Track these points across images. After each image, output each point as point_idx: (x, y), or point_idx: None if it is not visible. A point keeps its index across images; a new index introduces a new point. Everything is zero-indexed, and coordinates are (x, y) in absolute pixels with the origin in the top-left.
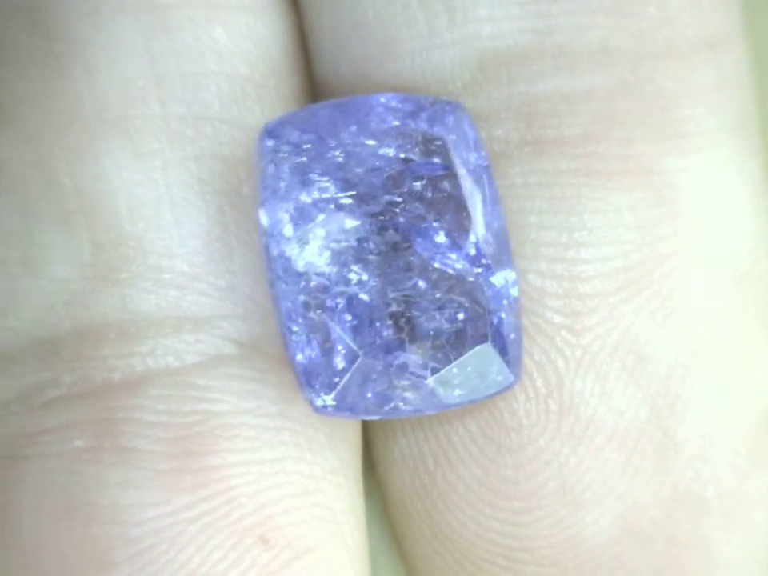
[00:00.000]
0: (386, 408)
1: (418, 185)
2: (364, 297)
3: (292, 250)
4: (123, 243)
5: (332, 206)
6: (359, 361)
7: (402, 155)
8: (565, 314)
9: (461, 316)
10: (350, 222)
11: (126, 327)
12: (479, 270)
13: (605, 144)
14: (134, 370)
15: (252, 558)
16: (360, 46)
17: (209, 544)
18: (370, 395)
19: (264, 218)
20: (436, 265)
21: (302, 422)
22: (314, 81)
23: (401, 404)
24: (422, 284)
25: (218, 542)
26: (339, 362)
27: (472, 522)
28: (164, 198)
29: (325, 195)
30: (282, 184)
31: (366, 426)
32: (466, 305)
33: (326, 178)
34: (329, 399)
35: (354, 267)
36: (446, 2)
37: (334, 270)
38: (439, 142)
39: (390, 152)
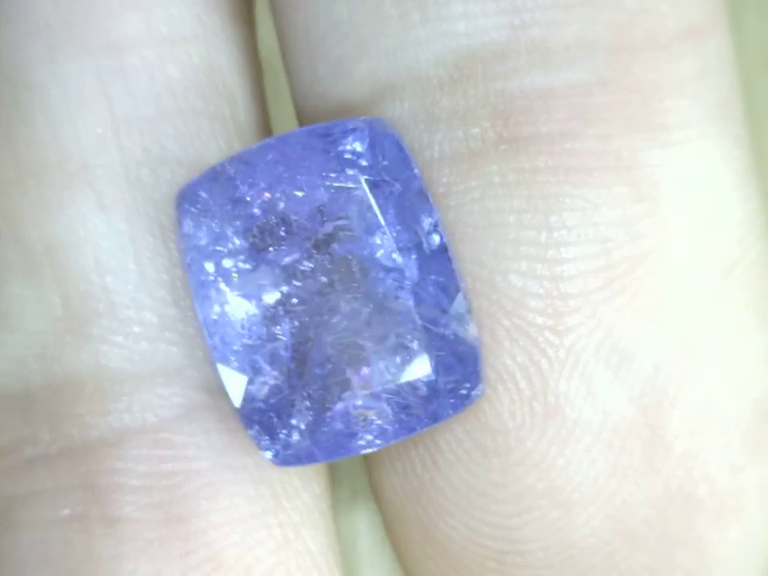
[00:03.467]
0: (352, 446)
1: (332, 225)
2: (298, 349)
3: (218, 311)
4: (92, 296)
5: (251, 264)
6: (307, 411)
7: (318, 197)
8: (547, 314)
9: (404, 343)
10: (271, 276)
11: (100, 383)
12: (408, 285)
13: (583, 140)
14: (112, 428)
15: None
16: (336, 46)
17: None
18: (330, 438)
19: (191, 277)
20: (368, 294)
21: (278, 469)
22: (291, 83)
23: (364, 441)
24: (353, 323)
25: None
26: (287, 417)
27: (462, 526)
28: (128, 249)
29: (240, 257)
30: (203, 244)
31: None
32: (405, 331)
33: (239, 236)
34: (284, 451)
35: (282, 321)
36: None
37: (263, 325)
38: (354, 169)
39: (304, 198)
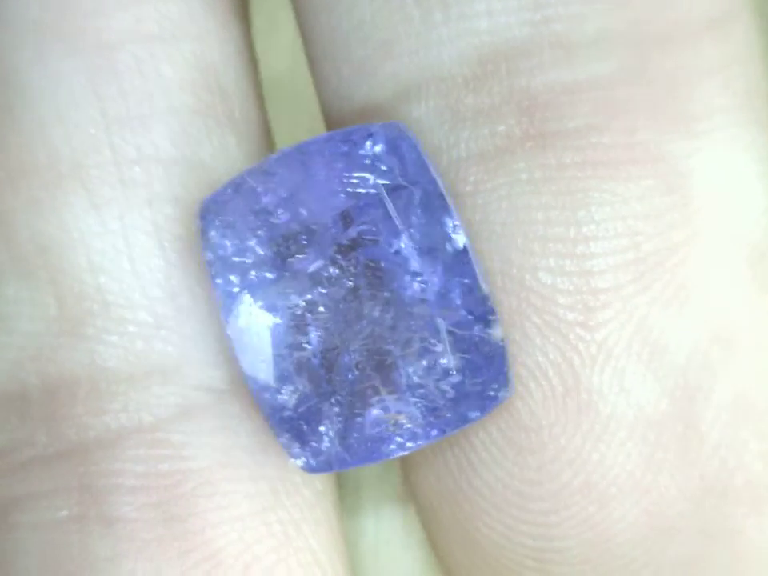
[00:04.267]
0: (382, 451)
1: (354, 231)
2: (326, 356)
3: (246, 323)
4: (86, 297)
5: (276, 274)
6: (336, 417)
7: (339, 204)
8: (578, 310)
9: (428, 348)
10: (296, 285)
11: (96, 383)
12: (434, 290)
13: (609, 134)
14: (108, 428)
15: None
16: (360, 47)
17: None
18: (361, 444)
19: (216, 294)
20: (393, 299)
21: (277, 466)
22: (317, 85)
23: (395, 445)
24: (378, 328)
25: None
26: (317, 425)
27: (500, 525)
28: (122, 249)
29: (264, 267)
30: (227, 255)
31: None
32: (430, 334)
33: (262, 247)
34: (315, 458)
35: (309, 329)
36: None
37: (290, 334)
38: (375, 174)
39: (325, 206)
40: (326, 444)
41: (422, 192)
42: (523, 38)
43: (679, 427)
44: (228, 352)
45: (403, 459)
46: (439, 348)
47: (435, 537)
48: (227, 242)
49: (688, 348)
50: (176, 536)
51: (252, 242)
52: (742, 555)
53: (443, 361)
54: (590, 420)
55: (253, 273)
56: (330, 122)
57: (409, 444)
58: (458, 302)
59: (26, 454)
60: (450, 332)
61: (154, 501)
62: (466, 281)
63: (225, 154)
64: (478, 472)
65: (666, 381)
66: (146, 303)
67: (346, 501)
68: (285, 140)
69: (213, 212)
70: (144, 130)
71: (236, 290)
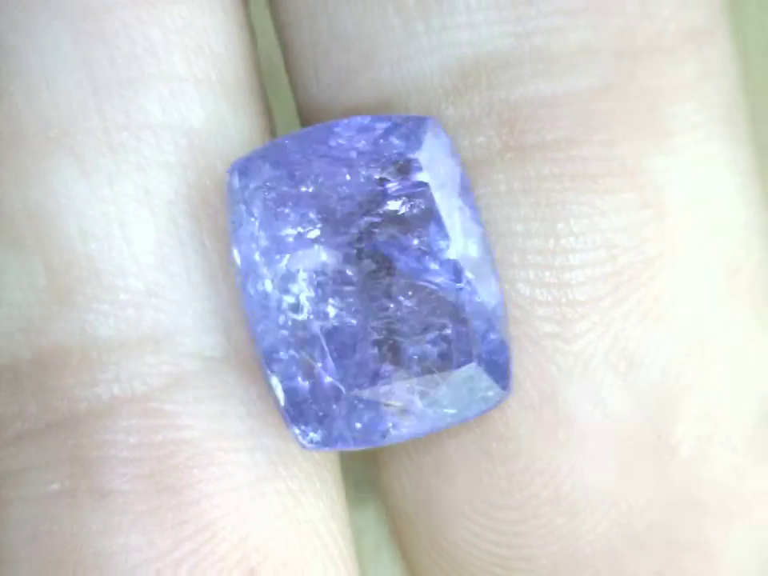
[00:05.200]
0: (377, 436)
1: (393, 205)
2: (344, 329)
3: (268, 288)
4: (76, 265)
5: (305, 240)
6: (344, 393)
7: (377, 176)
8: (555, 321)
9: (445, 337)
10: (324, 255)
11: (87, 353)
12: (461, 285)
13: (588, 147)
14: (100, 399)
15: None
16: (340, 57)
17: None
18: (359, 425)
19: (238, 257)
20: (418, 284)
21: (273, 436)
22: (296, 93)
23: (392, 430)
24: (402, 309)
25: None
26: (323, 397)
27: (468, 533)
28: (112, 215)
29: (297, 230)
30: (254, 221)
31: None
32: (450, 324)
33: (297, 212)
34: (316, 435)
35: (332, 300)
36: (422, 8)
37: (312, 304)
38: (412, 162)
39: (362, 177)
40: (327, 423)
41: (449, 184)
42: (504, 50)
43: (652, 440)
44: (221, 320)
45: (376, 463)
46: (453, 342)
47: (404, 542)
48: (256, 210)
49: (663, 361)
50: (170, 507)
51: (282, 212)
52: (712, 568)
53: (459, 353)
54: (565, 431)
55: (280, 239)
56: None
57: (404, 432)
58: (476, 298)
59: (16, 428)
60: (465, 327)
61: (147, 472)
62: (483, 278)
63: (217, 120)
64: (449, 478)
65: (641, 393)
66: (137, 270)
67: (347, 497)
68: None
69: (242, 175)
70: (133, 95)
71: (258, 256)
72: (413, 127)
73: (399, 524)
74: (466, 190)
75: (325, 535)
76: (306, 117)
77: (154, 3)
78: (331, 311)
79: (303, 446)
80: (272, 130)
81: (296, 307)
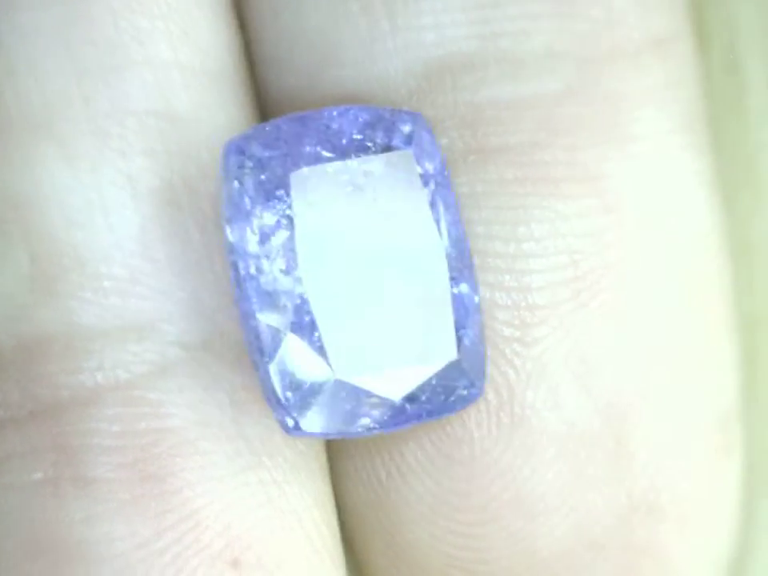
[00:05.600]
0: (355, 426)
1: None
2: (319, 325)
3: (260, 268)
4: (60, 252)
5: (290, 231)
6: (331, 381)
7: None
8: (514, 325)
9: (428, 332)
10: (314, 244)
11: (70, 341)
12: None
13: (551, 151)
14: (84, 387)
15: None
16: (304, 55)
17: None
18: (339, 414)
19: (230, 235)
20: (389, 279)
21: (256, 425)
22: (261, 90)
23: (369, 422)
24: (376, 308)
25: (190, 572)
26: (310, 383)
27: (426, 535)
28: (96, 203)
29: (290, 211)
30: (248, 200)
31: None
32: (433, 320)
33: (289, 195)
34: (301, 421)
35: (310, 296)
36: (388, 8)
37: (292, 298)
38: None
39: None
40: (306, 410)
41: (437, 179)
42: (470, 52)
43: (610, 444)
44: (205, 307)
45: (331, 462)
46: (436, 339)
47: (359, 545)
48: (247, 187)
49: (622, 367)
50: (153, 496)
51: (274, 190)
52: (666, 573)
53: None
54: (522, 435)
55: (270, 220)
56: None
57: (375, 426)
58: (457, 296)
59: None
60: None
61: (130, 460)
62: (465, 275)
63: (202, 107)
64: (406, 480)
65: (599, 399)
66: (120, 258)
67: None
68: None
69: (237, 154)
70: (117, 82)
71: (252, 234)
72: (399, 121)
73: (354, 527)
74: (448, 187)
75: (309, 525)
76: (270, 115)
77: None
78: (309, 306)
79: (287, 431)
80: (257, 117)
81: (285, 291)
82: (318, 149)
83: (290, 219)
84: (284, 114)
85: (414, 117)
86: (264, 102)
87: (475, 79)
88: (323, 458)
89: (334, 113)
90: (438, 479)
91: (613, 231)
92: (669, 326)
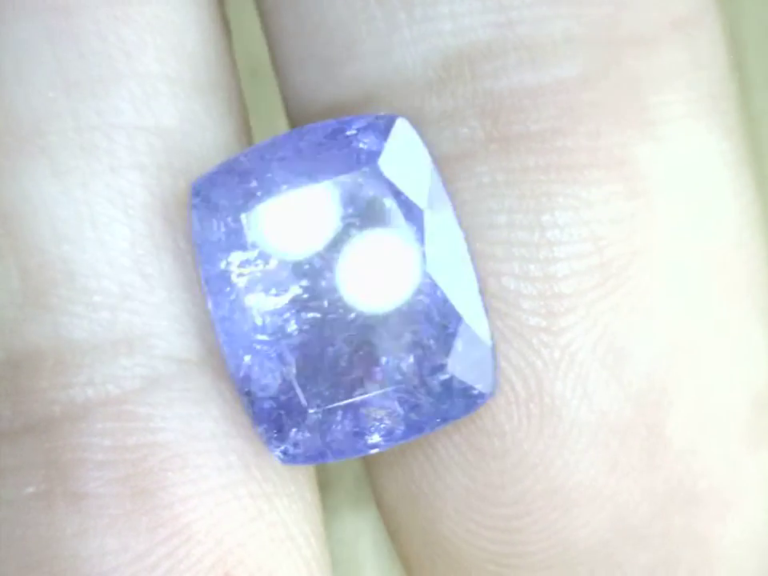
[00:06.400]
0: (360, 445)
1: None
2: (313, 342)
3: (233, 306)
4: (50, 267)
5: (265, 260)
6: (318, 408)
7: (335, 187)
8: (541, 315)
9: (417, 342)
10: (285, 272)
11: (61, 355)
12: (432, 289)
13: (573, 137)
14: (74, 402)
15: None
16: (324, 48)
17: None
18: (340, 437)
19: (203, 274)
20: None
21: (246, 438)
22: (282, 86)
23: (376, 438)
24: (367, 319)
25: None
26: (297, 415)
27: (462, 530)
28: (86, 217)
29: (255, 253)
30: (217, 240)
31: None
32: (422, 329)
33: (256, 231)
34: (294, 449)
35: (295, 317)
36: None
37: (276, 321)
38: (375, 169)
39: (320, 189)
40: (305, 435)
41: (419, 184)
42: (488, 40)
43: (643, 432)
44: (195, 322)
45: (367, 462)
46: (431, 344)
47: (398, 540)
48: (216, 225)
49: (652, 353)
50: (145, 511)
51: (241, 226)
52: (707, 560)
53: (435, 357)
54: (553, 425)
55: (241, 256)
56: (294, 122)
57: (386, 441)
58: (452, 298)
59: None
60: (442, 328)
61: (121, 475)
62: (460, 278)
63: (191, 120)
64: (440, 476)
65: (630, 386)
66: (111, 272)
67: (346, 498)
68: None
69: (203, 194)
70: (105, 95)
71: (223, 273)
72: (375, 128)
73: (392, 523)
74: (439, 190)
75: (298, 538)
76: (292, 111)
77: (127, 1)
78: (297, 328)
79: (283, 462)
80: (247, 130)
81: (261, 326)
82: (290, 176)
83: (259, 259)
84: (306, 109)
85: (390, 119)
86: (285, 98)
87: (494, 67)
88: (311, 470)
89: (296, 137)
90: (471, 473)
91: (638, 217)
92: (699, 310)
